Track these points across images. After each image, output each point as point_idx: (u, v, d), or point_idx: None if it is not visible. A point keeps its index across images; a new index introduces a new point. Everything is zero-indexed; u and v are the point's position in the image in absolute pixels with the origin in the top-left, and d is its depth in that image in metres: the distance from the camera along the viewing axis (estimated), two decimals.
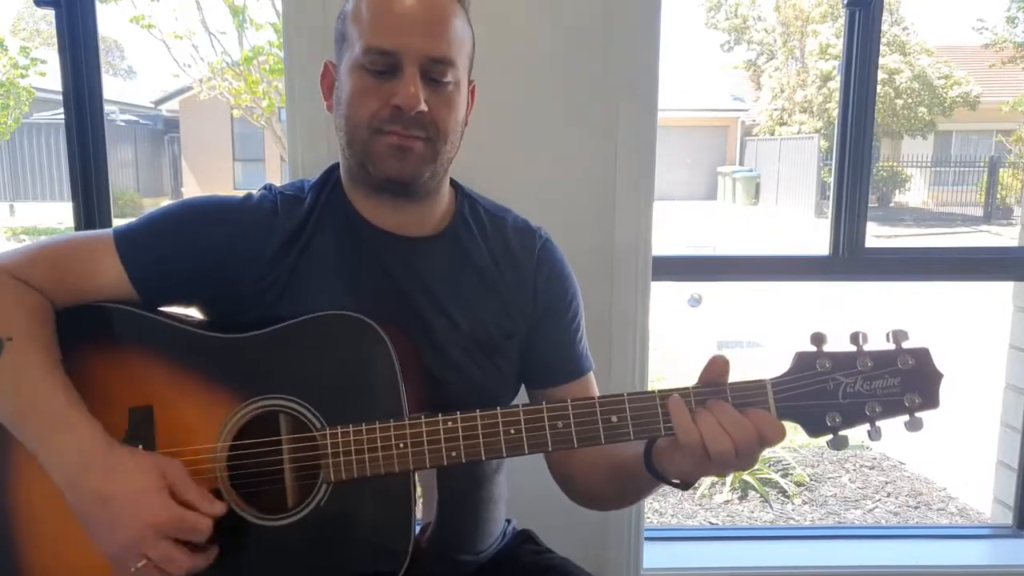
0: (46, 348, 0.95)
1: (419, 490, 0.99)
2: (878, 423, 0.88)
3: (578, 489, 1.12)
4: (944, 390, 0.88)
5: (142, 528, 0.88)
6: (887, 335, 0.88)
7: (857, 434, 0.90)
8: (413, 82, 0.96)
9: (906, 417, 0.88)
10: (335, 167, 1.11)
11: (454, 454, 0.92)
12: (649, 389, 0.92)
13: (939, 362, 0.88)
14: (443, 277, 1.07)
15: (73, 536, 0.97)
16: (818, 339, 0.89)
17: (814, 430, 0.89)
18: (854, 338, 0.88)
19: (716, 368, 0.90)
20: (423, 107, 0.97)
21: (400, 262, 1.06)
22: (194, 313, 1.08)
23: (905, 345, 0.88)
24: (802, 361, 0.89)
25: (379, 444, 0.93)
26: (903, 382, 0.88)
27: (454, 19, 1.00)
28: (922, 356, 0.88)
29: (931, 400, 0.88)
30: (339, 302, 0.99)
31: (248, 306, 1.02)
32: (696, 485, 1.00)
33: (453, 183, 1.14)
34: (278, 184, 1.12)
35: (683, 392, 0.90)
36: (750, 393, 0.89)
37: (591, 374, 1.16)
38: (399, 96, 0.96)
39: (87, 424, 0.91)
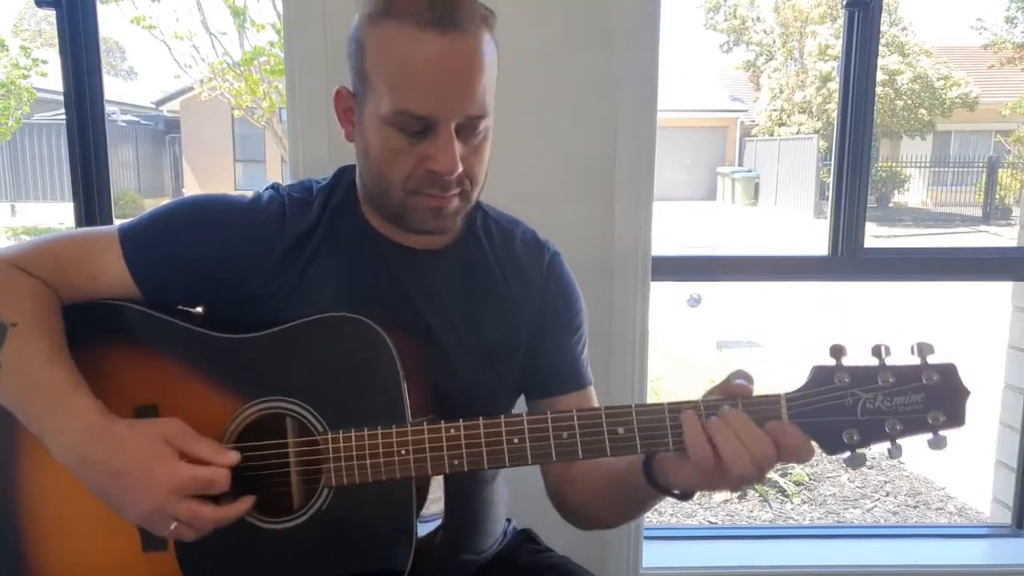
0: (51, 334, 0.95)
1: (429, 492, 0.98)
2: (899, 441, 0.84)
3: (575, 505, 1.09)
4: (970, 407, 0.83)
5: (160, 495, 0.88)
6: (912, 348, 0.84)
7: (875, 450, 0.86)
8: (451, 147, 0.92)
9: (929, 435, 0.83)
10: (345, 171, 1.10)
11: (456, 462, 0.91)
12: (658, 402, 0.89)
13: (966, 378, 0.84)
14: (451, 289, 1.07)
15: (79, 526, 0.99)
16: (837, 352, 0.84)
17: (830, 448, 0.84)
18: (876, 351, 0.84)
19: (736, 390, 0.86)
20: (460, 169, 0.95)
21: (409, 273, 1.05)
22: (199, 312, 1.07)
23: (930, 360, 0.83)
24: (819, 375, 0.85)
25: (381, 450, 0.92)
26: (927, 399, 0.83)
27: (484, 59, 0.93)
28: (948, 372, 0.83)
29: (957, 418, 0.83)
30: (343, 310, 0.97)
31: (253, 308, 1.02)
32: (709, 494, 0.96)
33: None
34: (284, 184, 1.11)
35: (693, 404, 0.86)
36: (764, 408, 0.85)
37: (591, 388, 1.14)
38: (437, 162, 0.93)
39: (88, 404, 0.91)
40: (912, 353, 0.84)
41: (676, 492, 0.91)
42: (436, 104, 0.91)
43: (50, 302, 0.98)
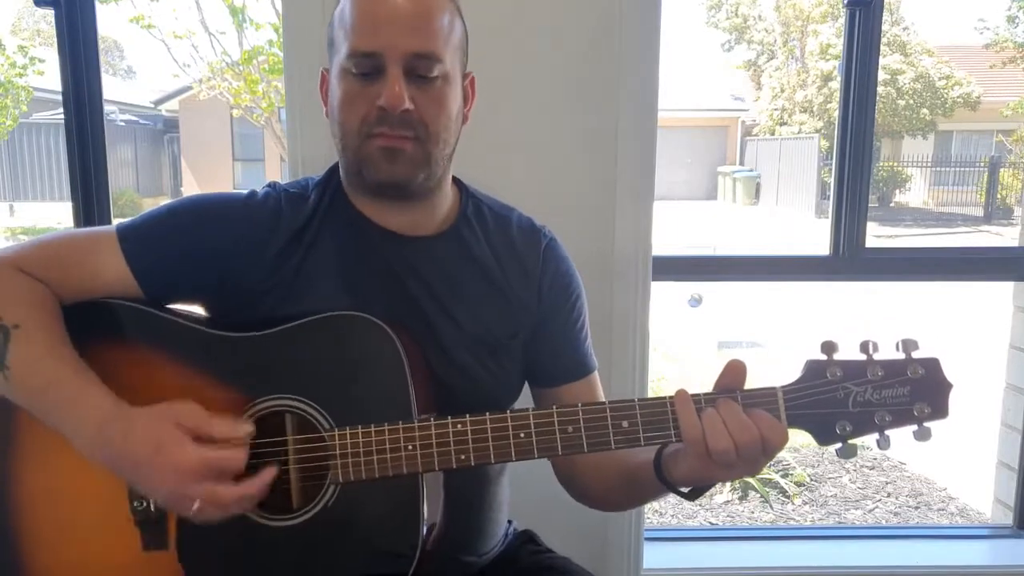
0: (53, 332, 0.96)
1: (426, 492, 0.98)
2: (887, 432, 0.89)
3: (584, 491, 1.12)
4: (954, 400, 0.88)
5: (175, 479, 0.88)
6: (897, 344, 0.89)
7: (865, 441, 0.90)
8: (396, 81, 0.95)
9: (915, 426, 0.88)
10: (339, 166, 1.11)
11: (463, 457, 0.92)
12: (660, 395, 0.92)
13: (949, 372, 0.89)
14: (446, 277, 1.07)
15: (78, 527, 0.99)
16: (829, 348, 0.89)
17: (824, 438, 0.90)
18: (864, 347, 0.89)
19: (733, 371, 0.91)
20: (408, 105, 0.96)
21: (403, 262, 1.05)
22: (200, 310, 1.07)
23: (915, 355, 0.88)
24: (813, 369, 0.89)
25: (388, 446, 0.93)
26: (913, 391, 0.88)
27: (438, 12, 0.98)
28: (932, 366, 0.89)
29: (940, 410, 0.88)
30: (342, 303, 0.98)
31: (252, 305, 1.02)
32: (709, 495, 0.99)
33: (458, 183, 1.14)
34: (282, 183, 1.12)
35: (694, 397, 0.90)
36: (761, 400, 0.89)
37: (595, 374, 1.16)
38: (383, 97, 0.95)
39: (99, 393, 0.92)
40: (897, 349, 0.89)
41: (683, 490, 0.95)
42: (381, 39, 0.95)
43: (49, 303, 0.98)
